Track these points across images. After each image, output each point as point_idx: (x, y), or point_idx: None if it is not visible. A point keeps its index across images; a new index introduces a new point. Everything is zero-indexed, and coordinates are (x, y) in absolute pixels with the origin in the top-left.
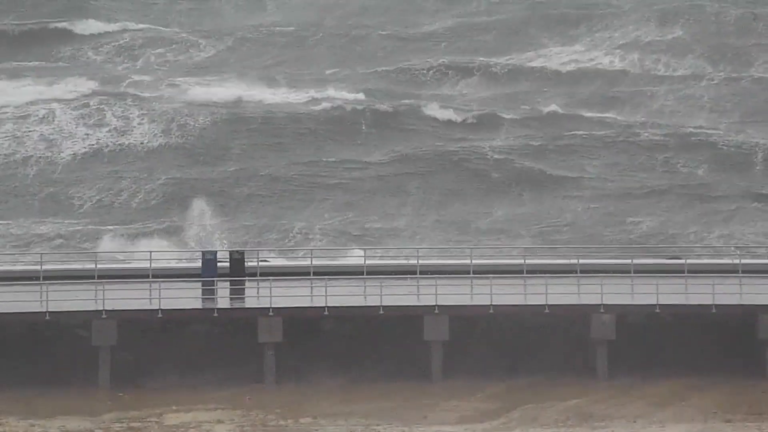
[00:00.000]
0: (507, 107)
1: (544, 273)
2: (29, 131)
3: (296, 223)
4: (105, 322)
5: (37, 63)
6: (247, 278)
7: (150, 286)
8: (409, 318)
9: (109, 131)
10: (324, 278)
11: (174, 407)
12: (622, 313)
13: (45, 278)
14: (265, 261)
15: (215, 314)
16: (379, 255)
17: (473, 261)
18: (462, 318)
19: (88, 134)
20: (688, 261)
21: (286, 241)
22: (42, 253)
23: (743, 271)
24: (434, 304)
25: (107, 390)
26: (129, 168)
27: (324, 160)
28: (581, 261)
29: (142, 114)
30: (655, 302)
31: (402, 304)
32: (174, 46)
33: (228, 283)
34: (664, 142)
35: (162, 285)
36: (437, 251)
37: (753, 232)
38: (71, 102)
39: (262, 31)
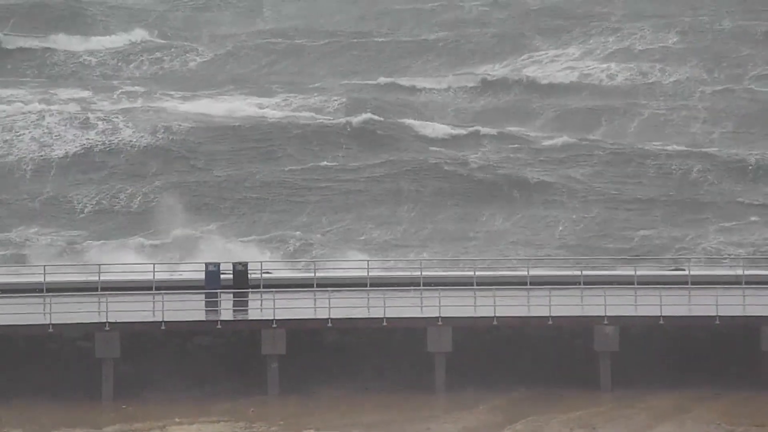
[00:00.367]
0: (498, 119)
1: (548, 285)
2: (19, 137)
3: (294, 231)
4: (108, 334)
5: (29, 74)
6: (250, 290)
7: (153, 298)
8: (413, 330)
9: (98, 140)
10: (327, 290)
11: (177, 419)
12: (626, 325)
13: (48, 290)
14: (268, 273)
15: (218, 326)
16: (381, 267)
17: (476, 273)
18: (465, 330)
19: (76, 138)
20: (692, 272)
21: (287, 247)
22: (45, 265)
23: (747, 283)
24: (437, 315)
25: (110, 402)
26: (117, 178)
27: (306, 166)
28: (584, 273)
29: (131, 124)
30: (658, 314)
31: (405, 315)
32: (168, 53)
33: (231, 295)
34: (658, 152)
35: (165, 297)
36: (440, 263)
37: (747, 242)
38: (63, 113)
39: (253, 42)
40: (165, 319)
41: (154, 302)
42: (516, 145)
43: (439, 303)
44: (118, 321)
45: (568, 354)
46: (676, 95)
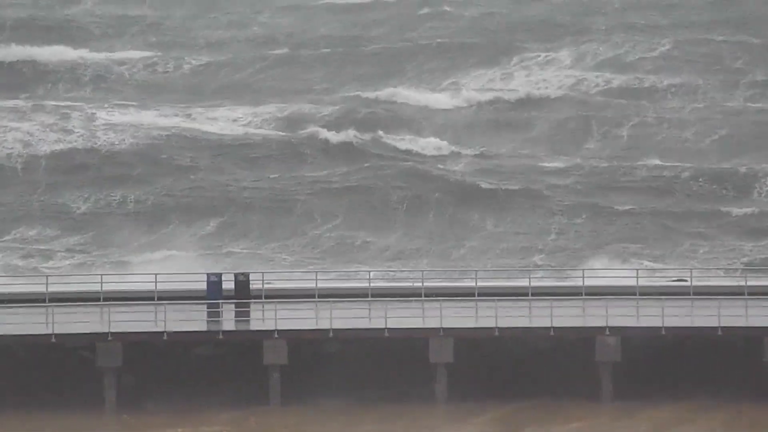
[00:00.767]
0: (484, 130)
1: (549, 295)
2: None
3: (288, 241)
4: (110, 344)
5: (16, 87)
6: (252, 300)
7: (155, 308)
8: (414, 340)
9: (79, 150)
10: (329, 300)
11: (179, 429)
12: (628, 336)
13: (51, 300)
14: (269, 283)
15: (220, 336)
16: (383, 277)
17: (478, 283)
18: (467, 340)
19: (58, 142)
20: (694, 283)
21: (286, 255)
22: (48, 275)
23: (749, 293)
24: (439, 326)
25: (113, 412)
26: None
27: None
28: (586, 283)
29: (111, 132)
30: (660, 324)
31: (407, 326)
32: (151, 63)
33: (233, 305)
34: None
35: (167, 307)
36: (442, 273)
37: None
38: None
39: (246, 52)
40: (167, 330)
41: (156, 312)
42: (503, 156)
43: (441, 314)
44: (120, 331)
45: (570, 365)
46: (667, 107)
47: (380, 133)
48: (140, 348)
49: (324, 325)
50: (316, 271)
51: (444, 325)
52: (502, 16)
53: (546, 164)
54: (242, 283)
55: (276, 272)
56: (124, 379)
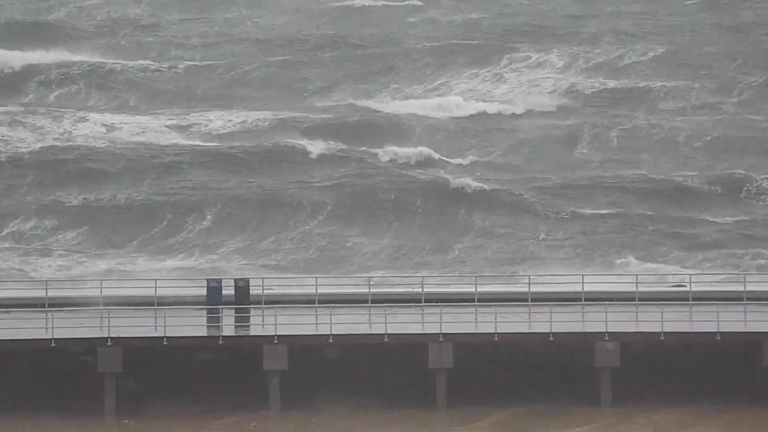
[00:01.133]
0: (472, 136)
1: (549, 301)
2: None
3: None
4: (110, 349)
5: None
6: (252, 306)
7: (155, 313)
8: (414, 346)
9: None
10: (329, 306)
11: None
12: (627, 341)
13: (50, 305)
14: (269, 289)
15: (220, 342)
16: (383, 283)
17: (477, 289)
18: (466, 346)
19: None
20: (693, 288)
21: (272, 263)
22: (48, 280)
23: (748, 299)
24: (439, 332)
25: (112, 417)
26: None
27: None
28: (586, 289)
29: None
30: (659, 330)
31: (406, 332)
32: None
33: (233, 310)
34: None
35: (167, 312)
36: (441, 279)
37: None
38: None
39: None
40: (167, 335)
41: (156, 318)
42: (492, 161)
43: (441, 319)
44: (120, 336)
45: (569, 370)
46: (659, 111)
47: (367, 140)
48: (140, 353)
49: (324, 330)
50: (316, 277)
51: (443, 331)
52: (491, 20)
53: (536, 167)
54: (242, 288)
55: (276, 278)
56: (125, 384)
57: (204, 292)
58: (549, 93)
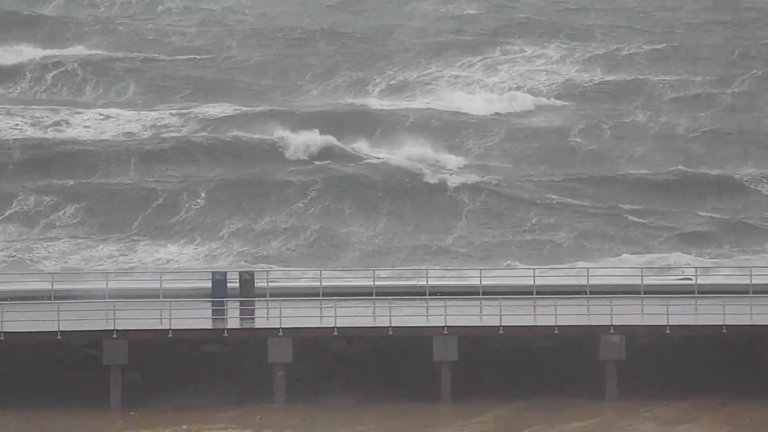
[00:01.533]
0: (469, 133)
1: (554, 294)
2: None
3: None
4: (116, 341)
5: None
6: (256, 298)
7: (161, 306)
8: (419, 339)
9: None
10: (333, 299)
11: (184, 426)
12: (632, 334)
13: (56, 298)
14: (274, 282)
15: (225, 334)
16: (388, 275)
17: (482, 282)
18: (471, 339)
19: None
20: (698, 281)
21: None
22: (54, 273)
23: (754, 292)
24: (443, 325)
25: (118, 409)
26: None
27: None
28: (591, 282)
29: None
30: (665, 323)
31: (411, 324)
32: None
33: (238, 303)
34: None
35: (172, 305)
36: (446, 272)
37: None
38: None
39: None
40: (172, 327)
41: (161, 310)
42: (488, 156)
43: (445, 312)
44: (126, 329)
45: (574, 363)
46: (656, 104)
47: (357, 135)
48: (146, 346)
49: (328, 323)
50: (321, 270)
51: (448, 324)
52: (487, 13)
53: (533, 162)
54: (247, 281)
55: (281, 270)
56: (130, 377)
57: (209, 284)
58: (544, 86)
